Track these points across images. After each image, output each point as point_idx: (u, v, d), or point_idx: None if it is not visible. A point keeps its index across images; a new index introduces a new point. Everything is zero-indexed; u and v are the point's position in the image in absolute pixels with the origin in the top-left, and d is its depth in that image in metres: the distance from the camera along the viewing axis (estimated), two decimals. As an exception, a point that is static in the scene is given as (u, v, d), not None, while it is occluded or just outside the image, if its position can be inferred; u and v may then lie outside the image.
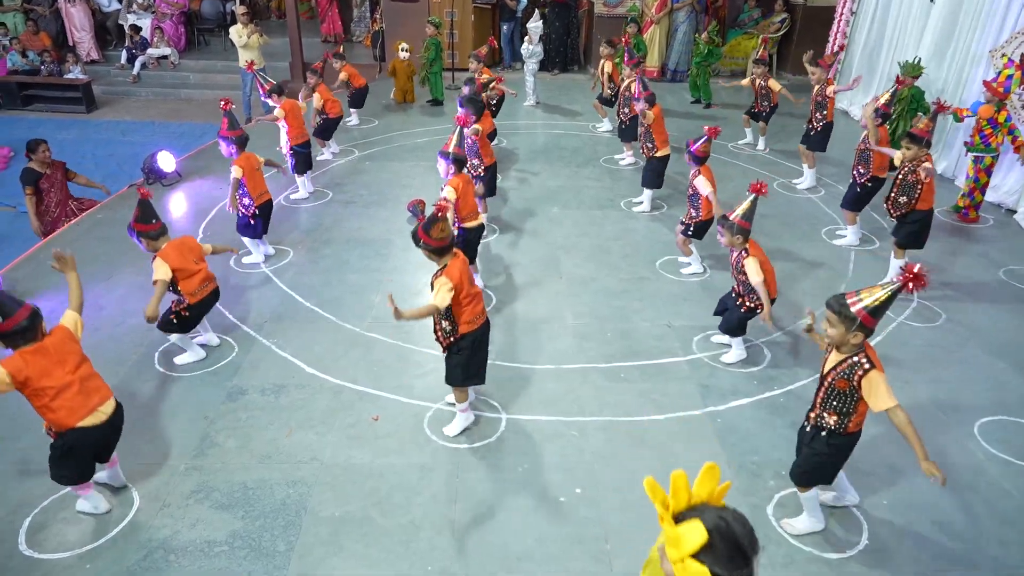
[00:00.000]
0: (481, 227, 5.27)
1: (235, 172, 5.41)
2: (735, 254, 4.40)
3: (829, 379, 3.11)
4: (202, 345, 4.64)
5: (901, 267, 4.85)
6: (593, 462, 3.85)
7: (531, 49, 10.10)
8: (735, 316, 4.51)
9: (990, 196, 7.25)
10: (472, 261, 5.28)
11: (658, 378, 4.53)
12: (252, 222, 5.59)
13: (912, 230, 5.39)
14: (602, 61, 9.00)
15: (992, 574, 3.23)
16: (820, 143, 7.44)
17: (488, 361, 4.02)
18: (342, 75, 8.86)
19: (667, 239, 6.35)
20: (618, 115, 8.08)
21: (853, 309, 2.93)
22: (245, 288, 5.45)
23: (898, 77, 7.08)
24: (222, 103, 5.59)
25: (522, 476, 3.74)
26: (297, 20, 12.06)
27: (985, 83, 6.56)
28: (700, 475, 1.56)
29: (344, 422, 4.08)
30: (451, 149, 4.99)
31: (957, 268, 5.97)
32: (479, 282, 5.41)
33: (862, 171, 6.11)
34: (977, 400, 4.37)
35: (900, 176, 5.31)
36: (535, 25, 9.99)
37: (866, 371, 2.98)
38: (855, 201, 6.25)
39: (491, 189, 6.36)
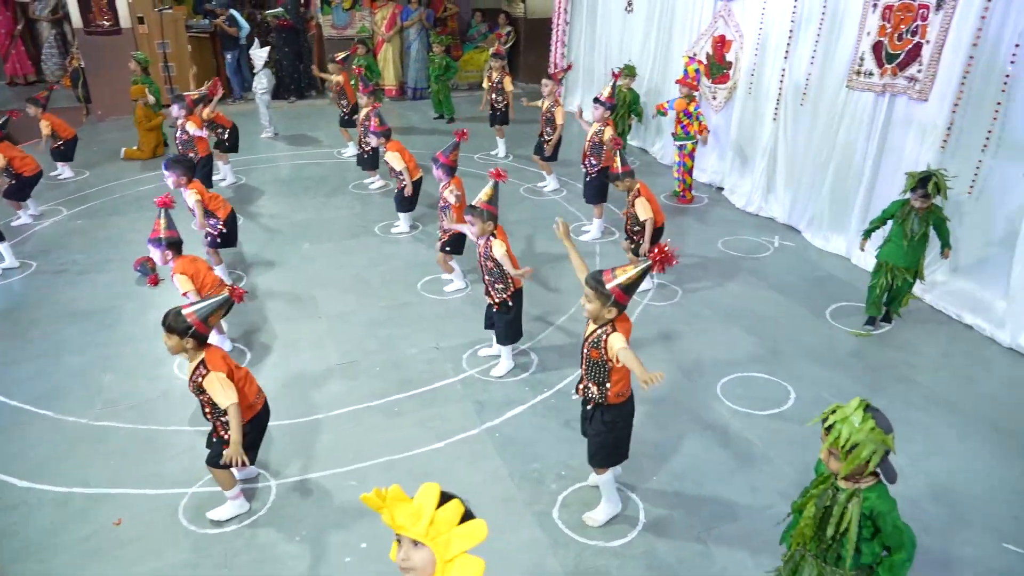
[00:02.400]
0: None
1: None
2: (483, 241, 4.43)
3: (584, 350, 3.25)
4: None
5: (646, 251, 5.16)
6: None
7: (259, 78, 9.55)
8: (502, 323, 4.58)
9: (701, 177, 8.21)
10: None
11: (434, 404, 4.44)
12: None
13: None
14: (333, 77, 8.79)
15: (749, 522, 3.55)
16: (552, 156, 7.86)
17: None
18: (45, 129, 7.60)
19: (426, 259, 6.30)
20: (359, 144, 7.91)
21: (608, 286, 3.07)
22: (-74, 398, 4.44)
23: (613, 71, 7.73)
24: None
25: (301, 545, 3.43)
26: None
27: (678, 81, 7.38)
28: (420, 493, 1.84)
29: (76, 536, 3.44)
30: (162, 234, 4.45)
31: (684, 247, 6.63)
32: (227, 340, 4.95)
33: (594, 162, 6.56)
34: (716, 363, 4.85)
35: (627, 212, 5.56)
36: (256, 52, 9.46)
37: (609, 332, 3.13)
38: (597, 193, 6.68)
39: (234, 240, 5.85)
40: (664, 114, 7.80)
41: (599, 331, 3.15)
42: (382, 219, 7.13)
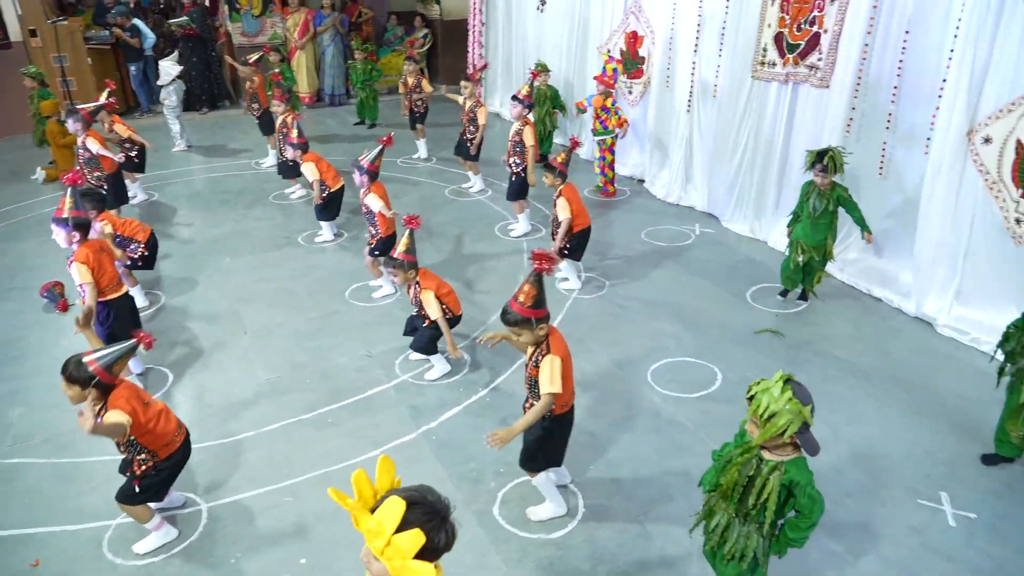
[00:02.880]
0: (127, 297, 4.58)
1: None
2: (412, 290, 4.51)
3: (528, 370, 3.31)
4: None
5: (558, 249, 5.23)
6: (315, 523, 3.56)
7: (167, 90, 9.20)
8: (424, 336, 4.56)
9: (623, 171, 8.36)
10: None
11: (367, 412, 4.38)
12: None
13: (572, 245, 5.59)
14: (248, 71, 8.60)
15: (685, 501, 3.64)
16: (476, 156, 7.85)
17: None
18: None
19: (352, 266, 6.21)
20: (280, 153, 7.72)
21: (521, 314, 3.10)
22: None
23: (531, 70, 7.83)
24: None
25: (237, 567, 3.32)
26: None
27: (596, 78, 7.50)
28: (378, 470, 1.75)
29: (-11, 582, 3.25)
30: (66, 213, 4.19)
31: (609, 238, 6.75)
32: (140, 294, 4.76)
33: (518, 161, 6.61)
34: (646, 351, 4.95)
35: (553, 207, 5.56)
36: (166, 63, 9.11)
37: (544, 352, 3.20)
38: (517, 191, 6.73)
39: (152, 263, 5.59)
40: (584, 111, 7.91)
41: (536, 352, 3.23)
42: (305, 228, 6.98)
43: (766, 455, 2.58)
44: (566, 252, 5.61)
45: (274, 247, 6.67)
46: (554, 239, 5.64)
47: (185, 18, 10.80)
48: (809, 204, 5.07)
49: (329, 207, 6.58)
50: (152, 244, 5.43)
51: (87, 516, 3.61)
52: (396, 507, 1.65)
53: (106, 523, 3.56)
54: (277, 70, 9.08)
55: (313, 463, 3.95)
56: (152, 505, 3.44)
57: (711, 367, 4.74)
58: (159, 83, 9.30)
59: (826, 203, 5.03)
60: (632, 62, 8.11)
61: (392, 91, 12.51)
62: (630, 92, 8.25)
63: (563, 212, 5.42)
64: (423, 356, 4.68)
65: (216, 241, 6.80)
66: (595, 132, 7.65)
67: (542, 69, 8.44)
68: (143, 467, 3.24)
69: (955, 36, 4.82)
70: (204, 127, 10.71)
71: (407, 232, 4.46)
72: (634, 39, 8.03)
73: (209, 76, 11.44)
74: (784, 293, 5.56)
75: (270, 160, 8.91)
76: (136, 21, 10.64)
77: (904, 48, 5.21)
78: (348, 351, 4.99)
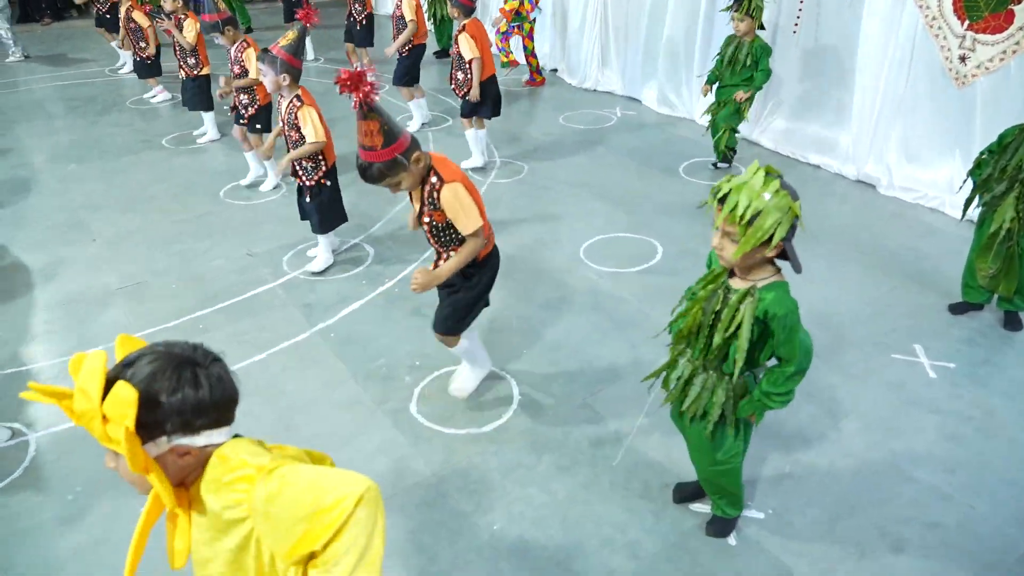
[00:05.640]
0: None
1: None
2: (286, 102, 3.62)
3: (425, 219, 2.54)
4: None
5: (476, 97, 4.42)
6: (183, 444, 2.81)
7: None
8: (314, 208, 3.80)
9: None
10: None
11: (250, 315, 3.60)
12: None
13: (473, 105, 4.92)
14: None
15: (634, 378, 3.09)
16: (366, 38, 6.98)
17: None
18: None
19: (230, 165, 5.29)
20: (134, 52, 6.54)
21: (388, 158, 2.34)
22: None
23: None
24: None
25: (76, 503, 2.55)
26: None
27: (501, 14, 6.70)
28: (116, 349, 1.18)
29: None
30: None
31: (523, 124, 6.07)
32: None
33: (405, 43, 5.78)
34: (575, 231, 4.35)
35: (452, 51, 4.86)
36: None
37: (438, 186, 2.45)
38: (405, 74, 5.86)
39: None
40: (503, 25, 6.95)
41: (428, 186, 2.47)
42: (170, 131, 5.95)
43: (734, 283, 1.98)
44: (474, 106, 4.89)
45: (130, 152, 5.62)
46: (457, 93, 4.93)
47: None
48: (737, 54, 4.57)
49: (204, 96, 5.53)
50: None
51: None
52: (93, 363, 1.07)
53: None
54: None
55: (180, 376, 3.16)
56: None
57: (650, 240, 4.20)
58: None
59: (746, 55, 4.53)
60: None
61: (271, -3, 11.21)
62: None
63: (468, 50, 4.68)
64: (324, 237, 3.93)
65: (58, 147, 5.68)
66: (514, 19, 6.83)
67: None
68: None
69: None
70: (48, 38, 9.20)
71: (296, 28, 3.58)
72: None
73: (49, -20, 9.82)
74: (716, 164, 5.11)
75: (127, 67, 7.66)
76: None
77: None
78: (224, 253, 4.14)
